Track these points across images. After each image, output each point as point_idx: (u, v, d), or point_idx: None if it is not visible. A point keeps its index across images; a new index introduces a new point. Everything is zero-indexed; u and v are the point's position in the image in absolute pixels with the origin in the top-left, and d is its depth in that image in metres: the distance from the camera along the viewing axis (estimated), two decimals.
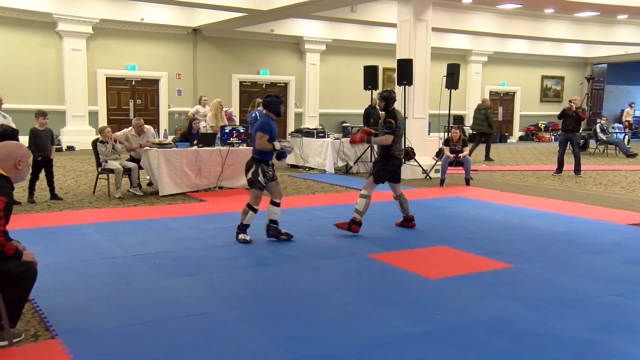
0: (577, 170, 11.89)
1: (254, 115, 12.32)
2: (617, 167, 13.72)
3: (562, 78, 25.39)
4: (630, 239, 6.46)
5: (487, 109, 15.09)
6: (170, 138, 10.30)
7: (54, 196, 8.31)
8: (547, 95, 25.27)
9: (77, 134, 15.91)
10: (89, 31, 15.94)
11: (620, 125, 20.49)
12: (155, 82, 17.62)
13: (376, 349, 3.49)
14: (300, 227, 6.78)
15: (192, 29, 17.56)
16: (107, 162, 8.65)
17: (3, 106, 8.56)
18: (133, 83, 17.35)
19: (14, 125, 7.82)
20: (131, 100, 17.33)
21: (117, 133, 9.32)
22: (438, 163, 11.02)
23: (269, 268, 5.16)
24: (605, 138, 17.12)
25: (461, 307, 4.22)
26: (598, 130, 17.14)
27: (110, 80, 16.92)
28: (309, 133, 12.77)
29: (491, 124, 15.03)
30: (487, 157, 14.89)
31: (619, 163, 14.79)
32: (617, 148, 16.84)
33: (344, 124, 19.47)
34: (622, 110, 26.25)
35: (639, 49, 22.04)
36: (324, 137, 12.48)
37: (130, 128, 9.26)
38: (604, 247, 6.04)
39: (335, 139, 12.39)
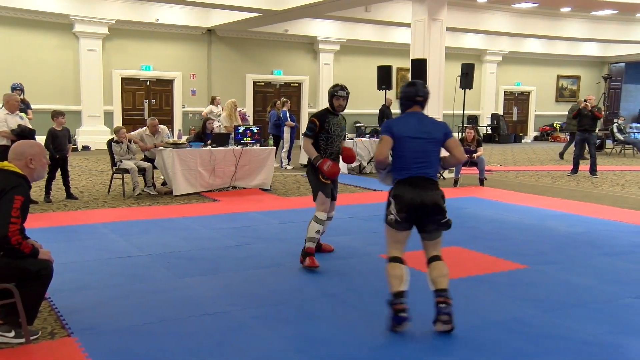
0: (593, 170, 11.75)
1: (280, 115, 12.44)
2: (635, 168, 13.54)
3: (578, 78, 25.12)
4: None
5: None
6: (184, 138, 10.35)
7: (69, 195, 8.39)
8: (563, 95, 25.02)
9: (93, 134, 16.06)
10: (105, 32, 16.08)
11: (639, 125, 20.22)
12: (169, 83, 17.73)
13: (391, 349, 3.47)
14: None
15: (206, 29, 17.64)
16: (121, 161, 8.71)
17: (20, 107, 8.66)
18: (148, 83, 17.47)
19: (30, 126, 7.90)
20: (146, 100, 17.45)
21: (132, 133, 9.38)
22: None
23: (284, 268, 5.16)
24: (622, 138, 16.90)
25: (476, 308, 4.18)
26: (615, 130, 16.93)
27: (125, 81, 17.06)
28: None
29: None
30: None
31: (637, 163, 14.59)
32: (635, 148, 16.61)
33: (358, 124, 19.43)
34: None
35: None
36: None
37: (144, 128, 9.32)
38: (622, 249, 5.96)
39: (349, 139, 12.36)
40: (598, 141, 15.19)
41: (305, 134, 5.14)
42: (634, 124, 20.65)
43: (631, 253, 5.80)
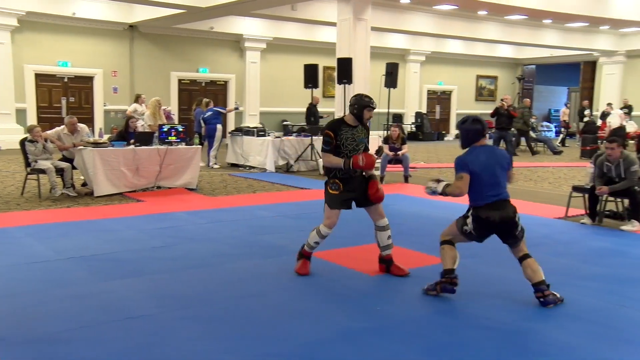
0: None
1: (208, 114, 12.25)
2: (546, 164, 14.38)
3: (495, 78, 26.34)
4: (558, 232, 6.80)
5: (524, 108, 16.44)
6: (106, 137, 9.99)
7: None
8: (482, 94, 26.16)
9: (3, 132, 15.11)
10: (14, 24, 15.16)
11: (549, 124, 21.50)
12: (89, 80, 17.01)
13: (318, 346, 3.52)
14: (241, 226, 6.73)
15: (128, 25, 17.06)
16: (37, 162, 8.28)
17: None
18: (65, 80, 16.68)
19: None
20: (64, 98, 16.65)
21: (49, 132, 8.96)
22: (378, 161, 11.18)
23: (210, 268, 5.09)
24: (535, 136, 17.91)
25: (401, 302, 4.31)
26: None
27: (40, 77, 16.19)
28: (249, 132, 12.67)
29: (527, 122, 16.42)
30: (532, 152, 16.39)
31: (548, 160, 15.50)
32: (546, 145, 17.65)
33: (285, 123, 19.46)
34: (550, 110, 27.55)
35: (563, 52, 23.22)
36: (264, 135, 12.41)
37: (62, 127, 8.91)
38: (534, 241, 6.28)
39: (276, 137, 12.36)
40: (514, 139, 16.04)
41: (322, 150, 4.80)
42: (545, 123, 21.94)
43: (542, 244, 6.16)
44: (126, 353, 3.36)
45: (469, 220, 4.38)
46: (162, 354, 3.36)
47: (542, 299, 4.22)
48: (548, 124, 22.16)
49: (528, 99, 18.65)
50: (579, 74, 24.70)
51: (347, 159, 4.67)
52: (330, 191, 4.79)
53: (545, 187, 10.51)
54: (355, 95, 4.88)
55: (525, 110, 16.55)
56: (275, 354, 3.39)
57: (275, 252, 5.64)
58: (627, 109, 19.25)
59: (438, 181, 4.55)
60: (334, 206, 4.82)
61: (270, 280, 4.80)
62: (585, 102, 21.19)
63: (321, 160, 11.75)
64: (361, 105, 4.75)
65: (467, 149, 4.39)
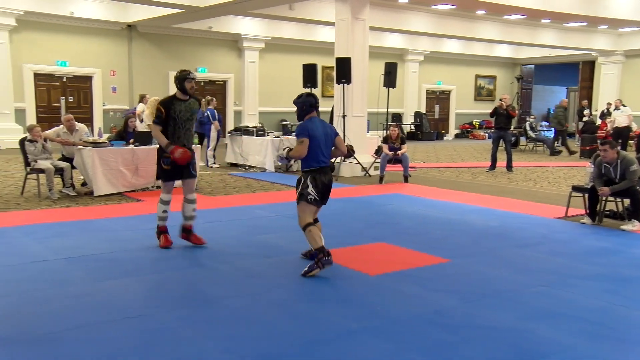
0: (509, 166, 12.38)
1: (206, 114, 12.24)
2: (545, 164, 14.40)
3: (494, 77, 26.36)
4: (555, 231, 6.80)
5: (560, 108, 16.76)
6: (105, 137, 9.97)
7: None
8: (481, 94, 26.19)
9: (2, 132, 15.10)
10: (12, 23, 15.15)
11: (548, 124, 21.50)
12: (88, 79, 16.99)
13: (317, 346, 3.52)
14: (240, 226, 6.72)
15: (126, 24, 17.05)
16: (36, 161, 8.27)
17: None
18: (64, 80, 16.66)
19: None
20: (62, 97, 16.63)
21: (48, 131, 8.96)
22: (377, 161, 11.20)
23: (207, 268, 5.09)
24: (534, 136, 17.92)
25: (400, 302, 4.31)
26: (528, 128, 17.94)
27: (38, 77, 16.18)
28: (248, 131, 12.67)
29: (561, 122, 16.79)
30: (569, 151, 16.50)
31: (547, 160, 15.52)
32: (545, 145, 17.66)
33: (284, 122, 19.46)
34: (549, 110, 27.55)
35: (561, 51, 23.23)
36: (263, 135, 12.41)
37: (61, 126, 8.90)
38: (532, 240, 6.33)
39: (275, 137, 12.35)
40: (513, 138, 16.05)
41: (153, 122, 5.43)
42: (544, 123, 21.95)
43: (540, 244, 6.17)
44: (125, 353, 3.36)
45: (310, 188, 4.92)
46: (161, 354, 3.36)
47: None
48: (547, 123, 22.14)
49: (566, 99, 18.95)
50: (578, 73, 24.73)
51: (170, 144, 5.36)
52: (164, 166, 5.49)
53: (544, 186, 10.52)
54: (178, 71, 5.60)
55: (560, 110, 16.74)
56: (275, 354, 3.39)
57: (274, 252, 5.63)
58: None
59: (284, 149, 5.28)
60: (167, 179, 5.59)
61: (269, 280, 4.80)
62: (584, 102, 21.23)
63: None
64: (182, 77, 5.47)
65: (305, 119, 5.04)
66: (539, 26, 20.26)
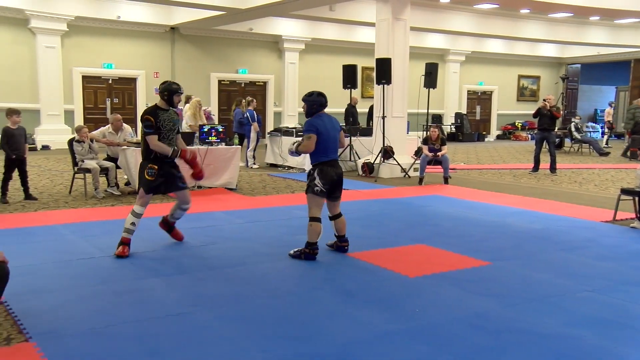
0: (553, 168, 12.07)
1: (246, 115, 12.37)
2: (591, 166, 13.97)
3: (538, 77, 25.76)
4: (602, 235, 6.59)
5: (636, 108, 16.33)
6: None
7: (28, 196, 8.16)
8: (524, 94, 25.62)
9: (52, 132, 15.65)
10: (64, 28, 15.70)
11: (595, 125, 20.87)
12: (132, 81, 17.43)
13: (355, 347, 3.50)
14: (279, 226, 6.77)
15: (169, 27, 17.41)
16: (83, 161, 8.53)
17: None
18: (110, 81, 17.14)
19: None
20: (108, 99, 17.11)
21: (94, 132, 9.20)
22: (417, 162, 11.09)
23: (249, 267, 5.14)
24: (579, 137, 17.42)
25: (439, 305, 4.26)
26: (573, 129, 17.44)
27: (86, 79, 16.69)
28: (287, 132, 12.75)
29: (638, 122, 16.28)
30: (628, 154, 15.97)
31: (592, 161, 15.06)
32: (591, 147, 17.15)
33: None
34: (596, 110, 26.73)
35: (610, 50, 22.46)
36: (302, 136, 12.43)
37: (107, 126, 9.15)
38: (577, 244, 6.15)
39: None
40: (557, 140, 15.63)
41: (146, 133, 5.34)
42: (590, 124, 21.31)
43: (585, 248, 5.99)
44: (166, 350, 3.42)
45: (317, 180, 5.23)
46: (201, 352, 3.41)
47: (346, 247, 5.50)
48: (593, 124, 21.49)
49: None
50: (628, 72, 23.84)
51: (175, 149, 5.48)
52: (147, 177, 5.39)
53: (590, 189, 10.21)
54: (163, 83, 5.54)
55: (637, 110, 16.24)
56: (312, 354, 3.39)
57: None
58: None
59: (293, 144, 5.48)
60: (149, 191, 5.46)
61: (307, 281, 4.82)
62: (638, 101, 20.49)
63: (360, 161, 11.73)
64: (172, 90, 5.41)
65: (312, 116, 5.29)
66: (586, 24, 19.67)
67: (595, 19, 18.75)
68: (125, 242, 5.39)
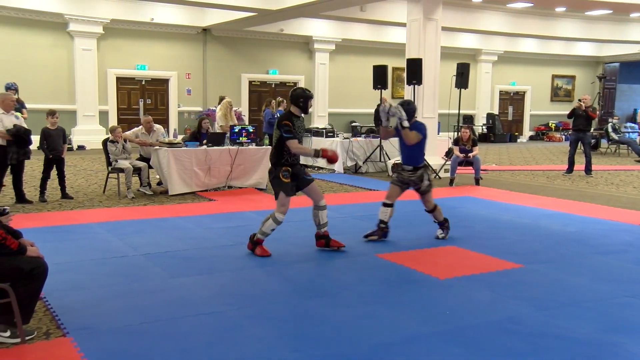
0: (588, 170, 11.80)
1: (276, 116, 12.40)
2: (630, 167, 13.61)
3: (573, 77, 25.21)
4: None
5: None
6: (179, 137, 10.34)
7: (64, 195, 8.37)
8: (558, 94, 25.11)
9: (88, 133, 16.02)
10: (100, 31, 16.05)
11: (634, 125, 20.28)
12: (165, 82, 17.70)
13: (385, 349, 3.49)
14: (310, 227, 6.77)
15: (201, 28, 17.62)
16: (117, 161, 8.70)
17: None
18: (143, 83, 17.44)
19: (26, 126, 7.88)
20: (141, 99, 17.42)
21: (127, 132, 9.37)
22: (447, 163, 10.98)
23: (279, 267, 5.16)
24: (617, 138, 16.96)
25: (471, 307, 4.20)
26: (610, 129, 16.99)
27: (120, 80, 17.02)
28: (318, 132, 12.77)
29: None
30: None
31: (631, 163, 14.66)
32: (630, 148, 16.69)
33: (353, 124, 19.44)
34: (635, 110, 26.00)
35: None
36: (333, 136, 12.47)
37: (140, 127, 9.31)
38: (615, 248, 5.99)
39: (345, 138, 12.37)
40: (593, 141, 15.27)
41: (287, 138, 5.33)
42: (628, 124, 20.68)
43: (624, 252, 5.83)
44: (198, 348, 3.46)
45: (395, 175, 6.22)
46: (232, 351, 3.44)
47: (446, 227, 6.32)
48: (633, 125, 20.85)
49: None
50: None
51: (316, 149, 5.52)
52: (284, 180, 5.36)
53: (628, 191, 9.94)
54: (297, 89, 5.61)
55: None
56: (342, 355, 3.39)
57: (342, 254, 5.64)
58: None
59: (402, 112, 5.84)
60: (290, 193, 5.41)
61: (337, 281, 4.81)
62: None
63: (390, 161, 11.66)
64: (307, 96, 5.50)
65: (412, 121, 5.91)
66: (626, 21, 19.14)
67: (636, 16, 18.23)
68: (260, 242, 5.48)
